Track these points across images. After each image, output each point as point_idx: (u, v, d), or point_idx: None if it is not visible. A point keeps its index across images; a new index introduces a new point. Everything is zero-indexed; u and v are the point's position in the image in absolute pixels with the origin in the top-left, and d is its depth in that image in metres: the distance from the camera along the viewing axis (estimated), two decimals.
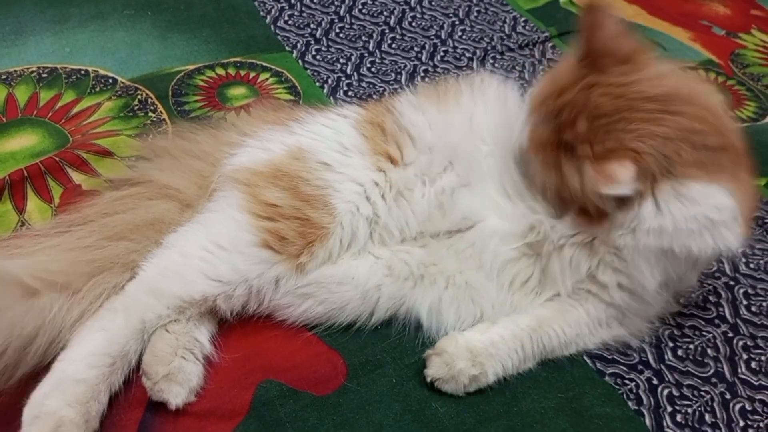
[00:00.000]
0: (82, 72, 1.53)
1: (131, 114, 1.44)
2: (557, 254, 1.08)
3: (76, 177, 1.28)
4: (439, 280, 1.10)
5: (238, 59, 1.63)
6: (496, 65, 1.80)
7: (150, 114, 1.44)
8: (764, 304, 1.30)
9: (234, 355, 1.05)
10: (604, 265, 1.07)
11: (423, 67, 1.75)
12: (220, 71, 1.59)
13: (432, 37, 1.86)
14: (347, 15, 1.86)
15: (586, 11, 1.02)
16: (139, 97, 1.48)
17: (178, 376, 0.96)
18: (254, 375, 1.03)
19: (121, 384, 0.97)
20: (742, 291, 1.32)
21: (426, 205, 1.11)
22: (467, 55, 1.82)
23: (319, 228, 1.06)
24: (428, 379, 1.05)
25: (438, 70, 1.75)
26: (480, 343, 1.06)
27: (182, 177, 1.13)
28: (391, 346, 1.11)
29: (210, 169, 1.14)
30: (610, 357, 1.15)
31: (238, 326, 1.08)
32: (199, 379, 0.99)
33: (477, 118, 1.15)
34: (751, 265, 1.38)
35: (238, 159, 1.11)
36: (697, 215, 0.98)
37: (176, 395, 0.96)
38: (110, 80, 1.52)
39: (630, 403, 1.10)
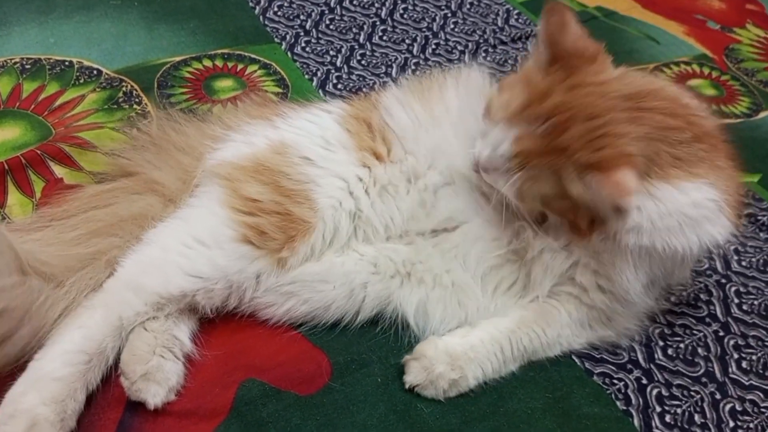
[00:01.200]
0: (66, 63, 1.50)
1: (115, 106, 1.41)
2: (538, 258, 1.07)
3: (59, 170, 1.26)
4: (426, 279, 1.09)
5: (225, 51, 1.61)
6: (489, 58, 1.78)
7: (135, 106, 1.42)
8: (756, 302, 1.29)
9: (216, 352, 1.03)
10: (582, 267, 1.05)
11: (414, 60, 1.73)
12: (207, 63, 1.57)
13: (424, 30, 1.83)
14: (338, 6, 1.84)
15: (550, 12, 0.98)
16: (124, 89, 1.46)
17: (156, 375, 0.94)
18: (236, 374, 1.01)
19: (99, 382, 0.95)
20: (734, 289, 1.31)
21: (410, 202, 1.10)
22: (459, 48, 1.80)
23: (300, 223, 1.04)
24: (407, 386, 1.03)
25: (429, 63, 1.73)
26: (459, 346, 1.04)
27: (166, 171, 1.11)
28: (377, 345, 1.09)
29: (194, 163, 1.12)
30: (598, 356, 1.14)
31: (220, 323, 1.06)
32: (179, 378, 0.98)
33: (459, 117, 1.13)
34: (743, 263, 1.36)
35: (221, 153, 1.09)
36: (675, 213, 0.97)
37: (155, 395, 0.94)
38: (95, 72, 1.49)
39: (618, 403, 1.09)
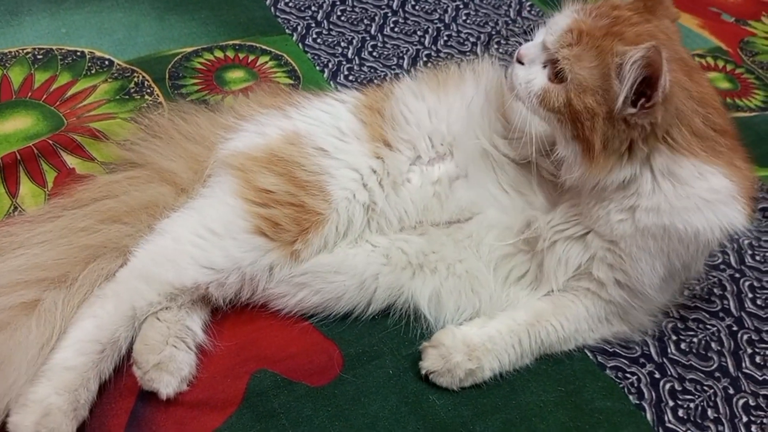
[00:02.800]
0: (78, 53, 1.50)
1: (127, 97, 1.41)
2: (550, 250, 1.06)
3: (70, 161, 1.26)
4: (440, 268, 1.08)
5: (237, 42, 1.60)
6: (501, 50, 1.77)
7: (146, 97, 1.42)
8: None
9: (228, 343, 1.03)
10: (598, 261, 1.04)
11: (426, 52, 1.72)
12: (219, 54, 1.56)
13: (435, 21, 1.82)
14: None
15: None
16: (136, 79, 1.45)
17: (169, 366, 0.94)
18: (248, 364, 1.01)
19: (111, 372, 0.95)
20: (747, 284, 1.30)
21: (423, 194, 1.09)
22: (471, 39, 1.78)
23: (314, 215, 1.04)
24: (423, 372, 1.03)
25: (441, 54, 1.72)
26: (477, 337, 1.03)
27: (178, 161, 1.11)
28: (388, 337, 1.09)
29: (206, 153, 1.12)
30: (611, 350, 1.13)
31: (232, 314, 1.06)
32: (191, 368, 0.98)
33: (475, 110, 1.12)
34: (757, 257, 1.35)
35: (233, 143, 1.09)
36: (692, 195, 0.97)
37: (167, 385, 0.94)
38: (106, 62, 1.49)
39: (631, 397, 1.08)
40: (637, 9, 0.99)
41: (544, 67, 0.99)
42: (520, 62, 1.01)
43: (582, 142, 0.96)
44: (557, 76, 0.96)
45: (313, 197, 1.04)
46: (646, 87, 0.89)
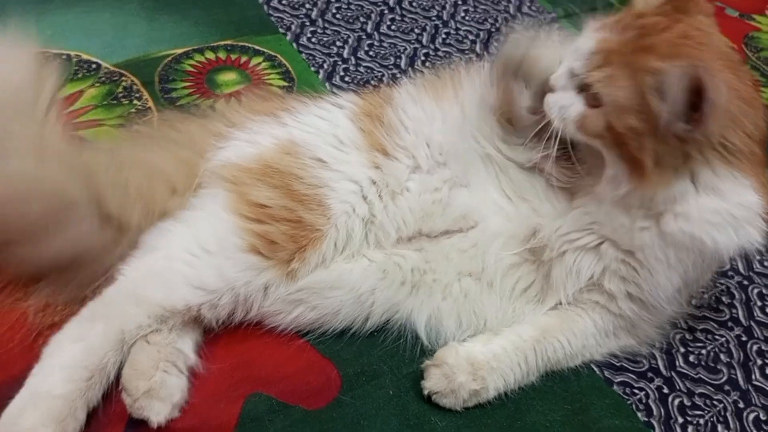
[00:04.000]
0: (64, 56, 1.45)
1: (115, 102, 1.36)
2: (559, 261, 1.03)
3: None
4: (435, 291, 1.05)
5: (229, 42, 1.55)
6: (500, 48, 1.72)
7: (135, 102, 1.37)
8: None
9: (221, 365, 0.99)
10: (610, 273, 1.00)
11: (424, 51, 1.67)
12: (210, 55, 1.51)
13: (433, 18, 1.77)
14: None
15: None
16: (124, 83, 1.40)
17: (159, 392, 0.90)
18: (242, 387, 0.98)
19: (99, 399, 0.91)
20: (756, 291, 1.27)
21: (423, 202, 1.05)
22: (470, 37, 1.74)
23: (312, 231, 1.00)
24: (426, 392, 0.99)
25: (439, 53, 1.67)
26: (482, 355, 1.00)
27: (170, 163, 1.06)
28: (388, 355, 1.05)
29: (196, 159, 1.07)
30: (618, 365, 1.10)
31: (225, 334, 1.02)
32: (183, 394, 0.94)
33: (474, 117, 1.08)
34: (766, 263, 1.32)
35: (224, 153, 1.04)
36: (723, 211, 0.93)
37: (158, 412, 0.90)
38: (94, 65, 1.44)
39: (639, 414, 1.05)
40: (666, 12, 0.94)
41: (579, 92, 0.94)
42: (552, 90, 0.96)
43: (630, 161, 0.91)
44: (594, 100, 0.91)
45: (311, 212, 1.00)
46: (692, 98, 0.84)
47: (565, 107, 0.95)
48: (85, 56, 1.46)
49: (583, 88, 0.93)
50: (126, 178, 1.02)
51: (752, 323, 1.21)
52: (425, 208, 1.06)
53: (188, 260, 0.96)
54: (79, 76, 1.41)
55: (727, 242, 0.94)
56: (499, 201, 1.07)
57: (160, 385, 0.91)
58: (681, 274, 0.99)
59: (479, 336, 1.04)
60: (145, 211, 1.01)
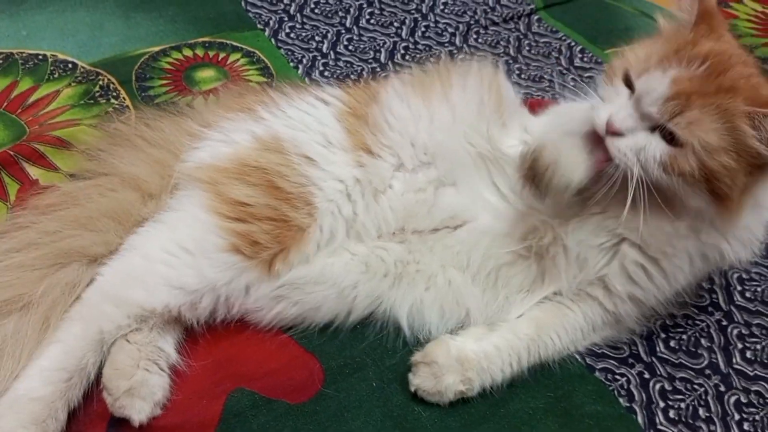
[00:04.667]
0: (40, 57, 1.44)
1: (92, 101, 1.35)
2: (562, 254, 1.02)
3: (34, 172, 1.20)
4: (418, 281, 1.05)
5: (206, 39, 1.54)
6: (480, 40, 1.72)
7: (112, 101, 1.36)
8: (759, 289, 1.25)
9: (203, 362, 0.99)
10: (622, 274, 1.00)
11: (403, 44, 1.67)
12: (188, 52, 1.50)
13: (412, 11, 1.77)
14: None
15: None
16: (101, 82, 1.40)
17: (141, 390, 0.90)
18: (225, 383, 0.97)
19: (80, 399, 0.91)
20: (736, 276, 1.27)
21: (405, 201, 1.05)
22: (449, 30, 1.74)
23: (297, 230, 0.99)
24: (412, 389, 0.99)
25: (419, 46, 1.67)
26: (473, 353, 0.99)
27: (143, 167, 1.05)
28: (371, 348, 1.05)
29: (171, 158, 1.06)
30: (599, 351, 1.10)
31: (207, 331, 1.02)
32: (165, 392, 0.93)
33: (466, 116, 1.08)
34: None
35: (198, 154, 1.03)
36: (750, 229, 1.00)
37: (139, 411, 0.89)
38: (70, 65, 1.43)
39: (621, 400, 1.05)
40: (705, 32, 0.92)
41: (652, 131, 0.89)
42: (616, 134, 0.90)
43: (718, 195, 0.90)
44: (673, 137, 0.88)
45: (297, 210, 0.99)
46: None
47: (642, 149, 0.89)
48: (61, 56, 1.45)
49: (656, 128, 0.89)
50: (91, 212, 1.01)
51: (732, 308, 1.22)
52: (409, 207, 1.05)
53: (167, 260, 0.95)
54: (56, 76, 1.40)
55: (740, 256, 1.00)
56: (492, 200, 1.07)
57: (141, 384, 0.91)
58: (691, 280, 1.02)
59: (473, 330, 1.03)
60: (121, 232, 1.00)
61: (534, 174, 0.96)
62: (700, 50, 0.89)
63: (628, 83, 0.93)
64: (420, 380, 0.98)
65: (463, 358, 0.98)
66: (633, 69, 0.92)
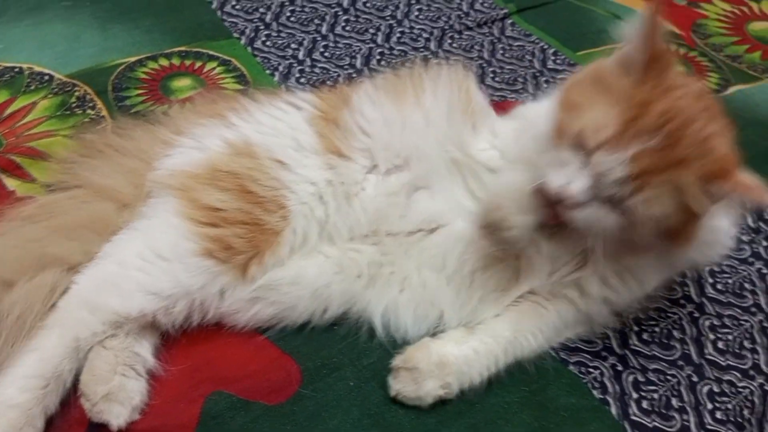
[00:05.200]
0: (17, 69, 1.44)
1: (68, 112, 1.36)
2: (538, 254, 1.03)
3: (10, 183, 1.21)
4: (392, 283, 1.06)
5: (183, 48, 1.56)
6: (455, 45, 1.75)
7: (89, 111, 1.37)
8: (730, 281, 1.28)
9: (180, 366, 1.00)
10: (597, 277, 1.02)
11: (379, 50, 1.69)
12: (164, 62, 1.52)
13: (387, 18, 1.79)
14: None
15: (652, 10, 0.88)
16: (77, 93, 1.40)
17: (118, 395, 0.91)
18: (202, 387, 0.98)
19: (57, 406, 0.91)
20: (707, 268, 1.30)
21: (378, 204, 1.06)
22: (424, 35, 1.76)
23: (271, 234, 1.00)
24: (392, 393, 1.00)
25: (394, 52, 1.69)
26: (453, 357, 1.00)
27: (116, 177, 1.06)
28: (348, 347, 1.06)
29: (145, 167, 1.07)
30: (573, 346, 1.12)
31: (184, 335, 1.02)
32: (143, 396, 0.94)
33: (438, 121, 1.09)
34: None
35: (170, 161, 1.04)
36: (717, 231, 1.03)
37: (117, 416, 0.90)
38: (46, 77, 1.44)
39: (595, 392, 1.07)
40: (656, 81, 0.88)
41: (603, 203, 0.89)
42: (573, 204, 0.90)
43: (674, 239, 0.93)
44: (628, 209, 0.88)
45: (270, 214, 1.00)
46: None
47: (599, 220, 0.90)
48: (37, 68, 1.46)
49: (610, 200, 0.89)
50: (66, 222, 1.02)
51: (704, 300, 1.24)
52: (381, 209, 1.06)
53: (142, 266, 0.96)
54: (32, 88, 1.41)
55: (710, 259, 1.07)
56: (467, 204, 1.08)
57: (119, 389, 0.91)
58: (661, 281, 1.07)
59: (453, 333, 1.04)
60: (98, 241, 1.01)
61: (489, 228, 1.00)
62: (655, 119, 0.86)
63: (581, 146, 0.90)
64: (401, 385, 0.99)
65: (443, 363, 0.99)
66: (588, 137, 0.88)
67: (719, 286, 1.27)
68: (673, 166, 0.86)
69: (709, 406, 1.09)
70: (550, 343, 1.10)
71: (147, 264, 0.96)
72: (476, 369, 1.02)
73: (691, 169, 0.86)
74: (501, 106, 1.38)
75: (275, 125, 1.08)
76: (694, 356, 1.15)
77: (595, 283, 1.03)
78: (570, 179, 0.89)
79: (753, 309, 1.24)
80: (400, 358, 1.01)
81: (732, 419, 1.08)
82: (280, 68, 1.57)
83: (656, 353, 1.14)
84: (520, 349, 1.05)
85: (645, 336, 1.16)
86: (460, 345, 1.02)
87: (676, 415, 1.07)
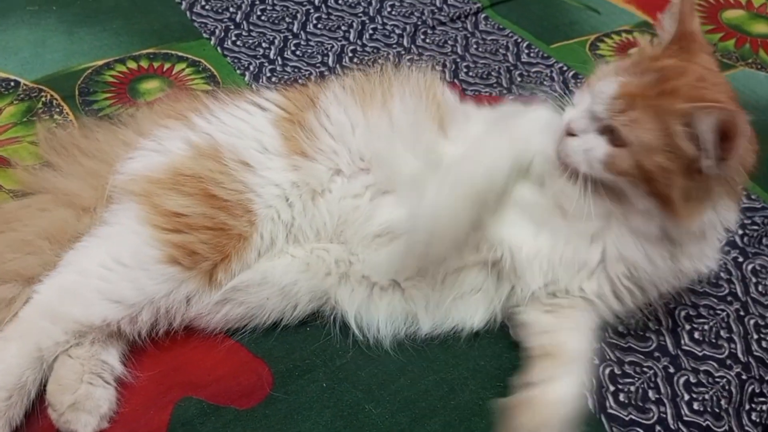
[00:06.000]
0: None
1: (35, 118, 1.34)
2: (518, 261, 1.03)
3: None
4: (363, 282, 1.04)
5: (151, 50, 1.54)
6: (428, 40, 1.74)
7: (55, 117, 1.35)
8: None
9: (150, 372, 0.98)
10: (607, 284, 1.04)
11: (351, 47, 1.68)
12: (132, 65, 1.50)
13: (360, 15, 1.78)
14: None
15: None
16: (44, 99, 1.38)
17: (86, 404, 0.89)
18: (172, 393, 0.97)
19: (22, 417, 0.90)
20: None
21: (342, 207, 1.04)
22: (397, 31, 1.75)
23: (237, 239, 0.99)
24: None
25: (367, 49, 1.68)
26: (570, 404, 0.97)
27: (75, 180, 1.04)
28: (320, 349, 1.05)
29: (106, 168, 1.04)
30: None
31: (153, 341, 1.01)
32: (111, 404, 0.93)
33: (404, 126, 1.07)
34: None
35: (131, 165, 1.02)
36: (720, 237, 1.03)
37: (85, 425, 0.89)
38: (12, 83, 1.42)
39: None
40: (676, 53, 0.97)
41: (600, 134, 0.95)
42: (571, 134, 0.97)
43: (659, 197, 0.93)
44: (618, 140, 0.93)
45: (236, 218, 0.98)
46: (720, 139, 0.87)
47: (589, 150, 0.95)
48: (2, 74, 1.44)
49: (605, 130, 0.94)
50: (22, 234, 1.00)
51: (680, 290, 1.24)
52: (344, 214, 1.05)
53: (103, 275, 0.94)
54: None
55: (716, 263, 1.04)
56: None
57: (86, 398, 0.90)
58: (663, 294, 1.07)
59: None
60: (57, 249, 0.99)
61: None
62: (657, 65, 0.94)
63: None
64: None
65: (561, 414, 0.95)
66: (597, 78, 0.98)
67: None
68: (660, 95, 0.91)
69: (686, 397, 1.08)
70: None
71: (109, 272, 0.94)
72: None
73: (676, 99, 0.90)
74: (475, 100, 1.37)
75: (239, 126, 1.07)
76: (671, 347, 1.15)
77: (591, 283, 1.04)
78: (576, 112, 0.99)
79: (729, 298, 1.24)
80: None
81: (709, 410, 1.07)
82: (251, 68, 1.56)
83: (632, 345, 1.14)
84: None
85: (620, 328, 1.16)
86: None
87: (653, 407, 1.06)
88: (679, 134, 0.89)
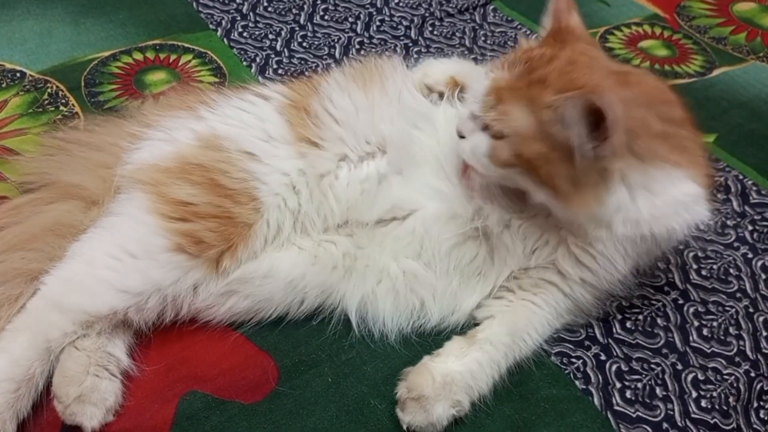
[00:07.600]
0: None
1: (41, 110, 1.34)
2: (507, 232, 1.03)
3: None
4: (368, 276, 1.04)
5: (157, 42, 1.53)
6: (435, 32, 1.73)
7: (61, 108, 1.34)
8: (715, 266, 1.27)
9: (155, 366, 0.98)
10: (566, 253, 1.02)
11: (358, 39, 1.67)
12: (138, 56, 1.49)
13: (367, 6, 1.77)
14: None
15: None
16: (49, 90, 1.38)
17: (92, 397, 0.89)
18: (177, 386, 0.97)
19: (29, 409, 0.90)
20: (692, 254, 1.29)
21: (350, 192, 1.05)
22: (404, 23, 1.74)
23: (243, 227, 0.98)
24: (405, 426, 0.96)
25: (374, 41, 1.67)
26: (458, 374, 0.97)
27: (83, 173, 1.04)
28: (326, 343, 1.05)
29: (113, 160, 1.04)
30: (555, 336, 1.11)
31: (159, 334, 1.01)
32: (117, 397, 0.93)
33: (408, 103, 1.08)
34: (701, 226, 1.34)
35: (139, 155, 1.02)
36: (670, 202, 0.96)
37: (91, 417, 0.89)
38: (18, 74, 1.41)
39: (577, 383, 1.06)
40: (549, 43, 0.98)
41: (483, 131, 0.96)
42: (462, 137, 0.99)
43: (548, 185, 0.93)
44: (498, 134, 0.94)
45: (242, 206, 0.99)
46: (592, 121, 0.85)
47: (476, 147, 0.96)
48: (8, 65, 1.43)
49: (485, 127, 0.95)
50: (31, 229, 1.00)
51: (688, 286, 1.23)
52: (352, 198, 1.05)
53: (111, 264, 0.94)
54: (3, 86, 1.38)
55: (681, 223, 0.98)
56: (438, 185, 1.07)
57: (92, 390, 0.90)
58: (636, 260, 1.03)
59: (450, 347, 1.02)
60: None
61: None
62: (526, 56, 0.95)
63: None
64: (410, 417, 0.95)
65: (448, 383, 0.96)
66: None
67: (704, 272, 1.26)
68: (528, 85, 0.92)
69: (694, 394, 1.08)
70: (544, 338, 1.08)
71: (116, 262, 0.94)
72: (482, 380, 0.99)
73: (545, 88, 0.90)
74: None
75: (242, 117, 1.07)
76: (679, 344, 1.14)
77: (569, 264, 1.03)
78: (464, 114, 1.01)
79: (738, 294, 1.23)
80: (403, 387, 0.97)
81: (717, 407, 1.06)
82: (258, 59, 1.55)
83: (640, 341, 1.13)
84: (519, 351, 1.04)
85: (629, 324, 1.15)
86: (462, 359, 1.00)
87: (660, 405, 1.06)
88: (550, 123, 0.88)
